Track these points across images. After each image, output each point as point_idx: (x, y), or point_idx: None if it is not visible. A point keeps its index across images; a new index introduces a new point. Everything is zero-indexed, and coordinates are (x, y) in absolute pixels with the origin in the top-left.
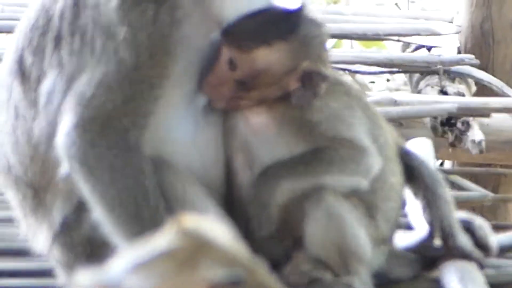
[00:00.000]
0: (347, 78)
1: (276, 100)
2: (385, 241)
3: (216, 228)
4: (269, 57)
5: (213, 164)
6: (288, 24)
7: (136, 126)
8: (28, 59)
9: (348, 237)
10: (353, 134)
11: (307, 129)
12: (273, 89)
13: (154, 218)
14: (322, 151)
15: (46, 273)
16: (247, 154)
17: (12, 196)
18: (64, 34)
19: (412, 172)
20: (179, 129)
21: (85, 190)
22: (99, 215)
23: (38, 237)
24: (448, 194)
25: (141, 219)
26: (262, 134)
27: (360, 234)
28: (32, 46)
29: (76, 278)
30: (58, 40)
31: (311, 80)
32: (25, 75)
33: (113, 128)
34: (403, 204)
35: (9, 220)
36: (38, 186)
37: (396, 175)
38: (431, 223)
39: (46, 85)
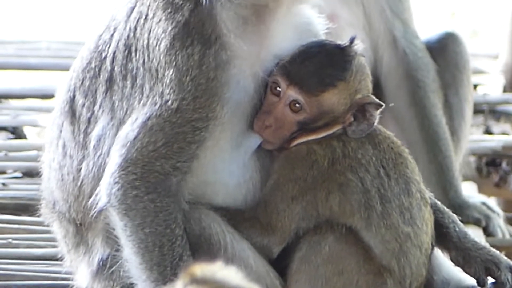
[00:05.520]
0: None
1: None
2: None
3: (227, 272)
4: (334, 98)
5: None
6: (345, 62)
7: (177, 170)
8: (80, 100)
9: None
10: None
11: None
12: (332, 126)
13: (175, 267)
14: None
15: None
16: None
17: (55, 231)
18: (116, 77)
19: (441, 230)
20: (225, 171)
21: (118, 228)
22: (126, 254)
23: (79, 272)
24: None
25: (163, 266)
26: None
27: None
28: (84, 87)
29: None
30: (109, 82)
31: (365, 112)
32: (75, 116)
33: (155, 172)
34: None
35: None
36: (80, 223)
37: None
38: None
39: (96, 130)
